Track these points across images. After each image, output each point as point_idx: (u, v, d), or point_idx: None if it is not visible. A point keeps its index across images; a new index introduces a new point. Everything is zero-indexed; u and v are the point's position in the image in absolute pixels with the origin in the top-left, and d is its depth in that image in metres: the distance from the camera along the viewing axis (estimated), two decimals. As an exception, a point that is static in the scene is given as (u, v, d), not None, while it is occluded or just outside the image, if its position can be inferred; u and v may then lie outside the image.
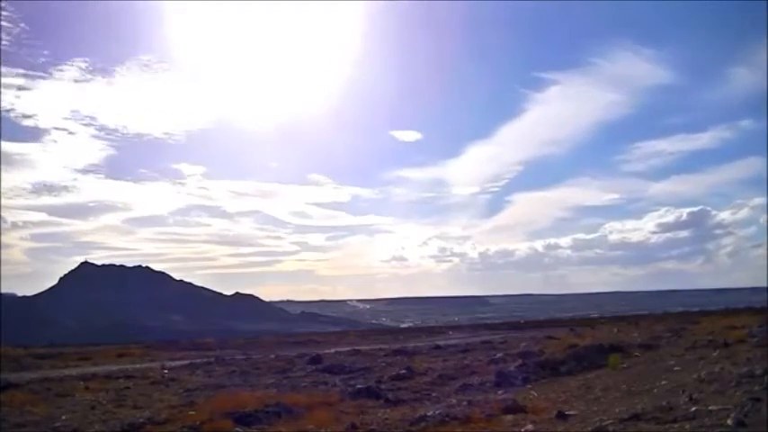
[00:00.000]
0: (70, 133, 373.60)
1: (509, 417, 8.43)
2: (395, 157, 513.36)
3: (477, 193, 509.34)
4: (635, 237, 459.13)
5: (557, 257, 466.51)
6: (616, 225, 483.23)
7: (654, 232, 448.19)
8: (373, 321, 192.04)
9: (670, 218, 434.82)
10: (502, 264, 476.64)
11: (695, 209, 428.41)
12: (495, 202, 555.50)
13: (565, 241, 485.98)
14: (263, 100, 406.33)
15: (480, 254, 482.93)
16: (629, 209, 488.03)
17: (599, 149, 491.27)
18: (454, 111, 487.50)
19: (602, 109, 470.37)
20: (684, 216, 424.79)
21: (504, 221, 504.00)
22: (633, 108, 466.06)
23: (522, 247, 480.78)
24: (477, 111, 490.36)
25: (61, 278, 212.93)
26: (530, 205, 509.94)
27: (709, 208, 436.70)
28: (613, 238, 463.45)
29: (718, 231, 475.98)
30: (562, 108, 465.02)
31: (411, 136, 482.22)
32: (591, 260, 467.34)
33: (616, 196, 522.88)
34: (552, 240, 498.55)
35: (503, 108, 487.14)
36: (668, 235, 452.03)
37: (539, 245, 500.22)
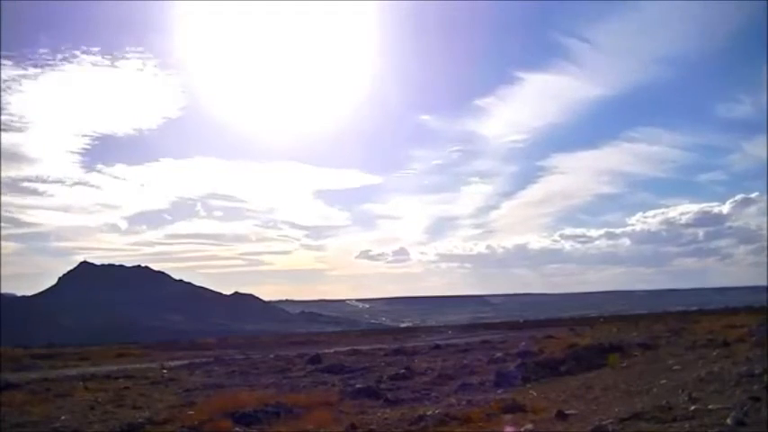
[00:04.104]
0: (71, 132, 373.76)
1: (509, 416, 8.43)
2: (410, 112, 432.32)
3: (507, 156, 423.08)
4: (668, 227, 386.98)
5: (571, 255, 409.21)
6: (659, 211, 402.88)
7: (695, 220, 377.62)
8: (373, 321, 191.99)
9: (722, 208, 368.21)
10: (509, 262, 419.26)
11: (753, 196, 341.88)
12: (526, 172, 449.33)
13: (596, 233, 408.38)
14: (261, 96, 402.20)
15: (487, 247, 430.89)
16: (691, 182, 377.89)
17: (702, 78, 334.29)
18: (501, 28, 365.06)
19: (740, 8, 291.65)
20: (731, 205, 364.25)
21: (531, 199, 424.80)
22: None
23: (534, 242, 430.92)
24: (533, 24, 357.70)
25: (61, 278, 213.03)
26: (568, 176, 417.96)
27: (754, 195, 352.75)
28: (649, 226, 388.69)
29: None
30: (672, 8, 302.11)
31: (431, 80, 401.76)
32: (608, 258, 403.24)
33: (682, 159, 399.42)
34: (580, 231, 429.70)
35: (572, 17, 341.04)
36: (706, 228, 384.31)
37: (557, 236, 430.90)
